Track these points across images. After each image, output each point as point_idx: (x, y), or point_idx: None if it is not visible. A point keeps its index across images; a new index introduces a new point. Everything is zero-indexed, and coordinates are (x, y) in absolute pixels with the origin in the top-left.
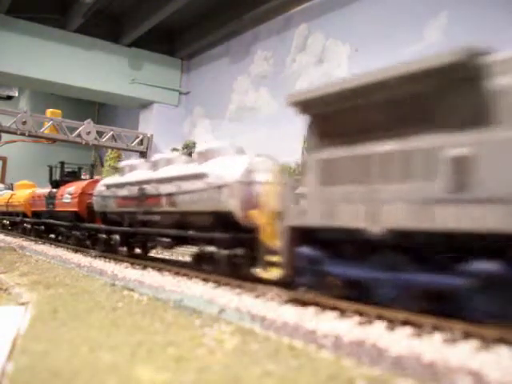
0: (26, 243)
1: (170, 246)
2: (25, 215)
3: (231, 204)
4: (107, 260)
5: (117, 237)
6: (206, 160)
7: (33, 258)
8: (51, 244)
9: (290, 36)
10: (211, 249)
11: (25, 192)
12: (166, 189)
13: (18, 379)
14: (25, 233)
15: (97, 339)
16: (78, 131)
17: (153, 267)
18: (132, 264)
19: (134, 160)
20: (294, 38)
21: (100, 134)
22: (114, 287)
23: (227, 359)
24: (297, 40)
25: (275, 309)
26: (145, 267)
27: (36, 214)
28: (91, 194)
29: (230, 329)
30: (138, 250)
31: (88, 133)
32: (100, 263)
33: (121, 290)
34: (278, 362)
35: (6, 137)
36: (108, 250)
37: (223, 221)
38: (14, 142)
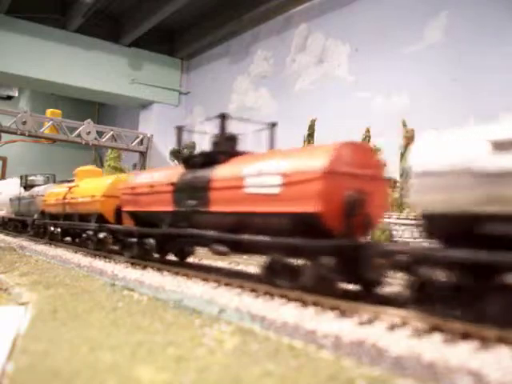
0: (25, 243)
1: None
2: (100, 219)
3: None
4: (107, 260)
5: None
6: None
7: (33, 258)
8: (51, 244)
9: (289, 36)
10: None
11: (99, 182)
12: None
13: (18, 379)
14: (100, 248)
15: (97, 339)
16: (77, 131)
17: (152, 267)
18: (132, 264)
19: None
20: (293, 38)
21: (100, 134)
22: (113, 287)
23: (227, 359)
24: (297, 40)
25: (275, 309)
26: (145, 267)
27: (135, 218)
28: (372, 177)
29: (230, 329)
30: None
31: (88, 133)
32: (100, 263)
33: (121, 290)
34: (277, 362)
35: (5, 137)
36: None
37: None
38: (14, 142)
